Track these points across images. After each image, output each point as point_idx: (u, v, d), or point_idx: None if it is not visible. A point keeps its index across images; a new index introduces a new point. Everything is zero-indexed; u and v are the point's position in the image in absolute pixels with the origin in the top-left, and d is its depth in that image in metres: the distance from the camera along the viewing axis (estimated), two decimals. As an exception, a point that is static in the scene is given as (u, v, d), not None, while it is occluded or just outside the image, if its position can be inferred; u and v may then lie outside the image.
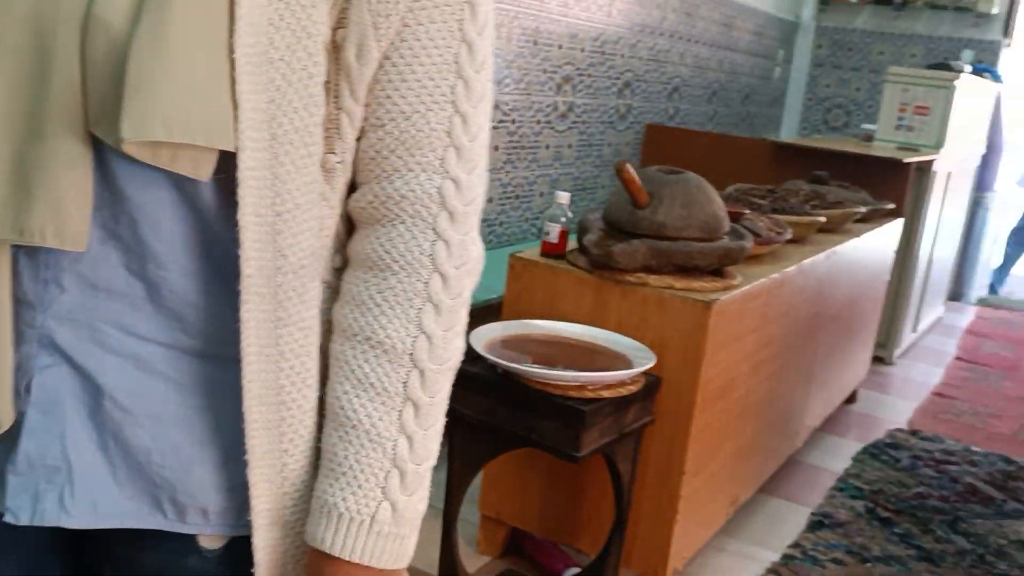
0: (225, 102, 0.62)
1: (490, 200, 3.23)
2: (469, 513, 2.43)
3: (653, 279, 2.00)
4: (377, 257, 0.72)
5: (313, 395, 0.73)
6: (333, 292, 0.75)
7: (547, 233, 2.15)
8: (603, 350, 1.96)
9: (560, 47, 3.45)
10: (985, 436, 3.58)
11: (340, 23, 0.67)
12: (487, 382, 1.82)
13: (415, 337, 0.71)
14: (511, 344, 1.96)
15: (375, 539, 0.72)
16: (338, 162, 0.71)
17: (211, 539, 0.75)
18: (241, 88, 0.62)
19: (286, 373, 0.71)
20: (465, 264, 0.74)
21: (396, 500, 0.72)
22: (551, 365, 1.90)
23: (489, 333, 1.96)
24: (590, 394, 1.76)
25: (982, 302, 6.17)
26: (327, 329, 0.75)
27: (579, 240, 2.12)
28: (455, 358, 0.75)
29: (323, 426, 0.74)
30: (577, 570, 2.16)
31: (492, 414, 1.82)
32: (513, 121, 3.26)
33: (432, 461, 0.76)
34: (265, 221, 0.66)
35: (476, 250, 0.75)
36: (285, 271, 0.68)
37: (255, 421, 0.70)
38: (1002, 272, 6.58)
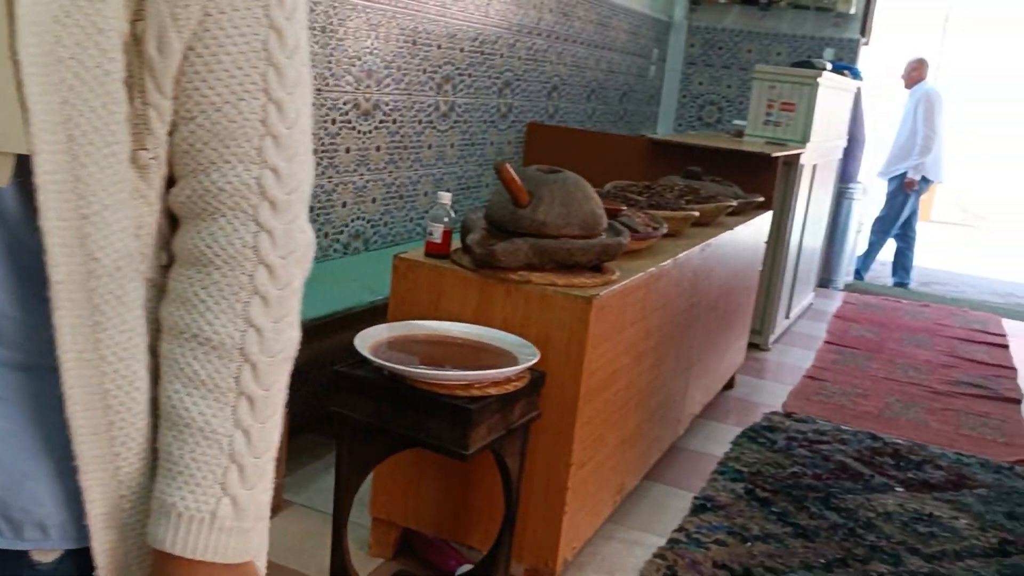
0: (13, 106, 0.60)
1: (373, 200, 3.21)
2: (360, 516, 2.42)
3: (536, 276, 2.04)
4: (199, 252, 0.71)
5: (143, 397, 0.72)
6: (160, 291, 0.74)
7: (431, 233, 2.16)
8: (489, 348, 1.98)
9: (439, 47, 3.46)
10: (854, 415, 3.78)
11: (137, 15, 0.66)
12: (374, 385, 1.82)
13: (244, 331, 0.71)
14: (397, 345, 1.97)
15: (217, 535, 0.72)
16: (151, 158, 0.70)
17: (45, 553, 0.74)
18: (29, 90, 0.61)
19: (110, 377, 0.69)
20: (292, 253, 0.73)
21: (237, 495, 0.72)
22: (438, 365, 1.92)
23: (374, 335, 1.96)
24: (477, 392, 1.78)
25: (849, 288, 6.52)
26: (156, 328, 0.74)
27: (462, 240, 2.14)
28: (288, 349, 0.75)
29: (158, 426, 0.73)
30: (469, 566, 2.19)
31: (380, 417, 1.82)
32: (394, 121, 3.25)
33: (272, 453, 0.75)
34: (71, 225, 0.65)
35: (304, 238, 0.75)
36: (99, 274, 0.67)
37: (81, 427, 0.69)
38: (867, 259, 6.96)
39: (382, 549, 2.31)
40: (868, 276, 6.99)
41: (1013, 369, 4.77)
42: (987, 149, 12.18)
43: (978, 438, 3.68)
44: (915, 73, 6.67)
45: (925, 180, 6.68)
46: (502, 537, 2.03)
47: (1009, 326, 5.81)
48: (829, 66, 5.09)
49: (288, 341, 0.74)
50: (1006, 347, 5.22)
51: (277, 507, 2.45)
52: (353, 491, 1.89)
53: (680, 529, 2.60)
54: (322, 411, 3.08)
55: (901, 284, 6.90)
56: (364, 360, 1.82)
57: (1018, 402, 4.22)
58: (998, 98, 11.78)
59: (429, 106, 3.46)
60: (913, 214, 6.88)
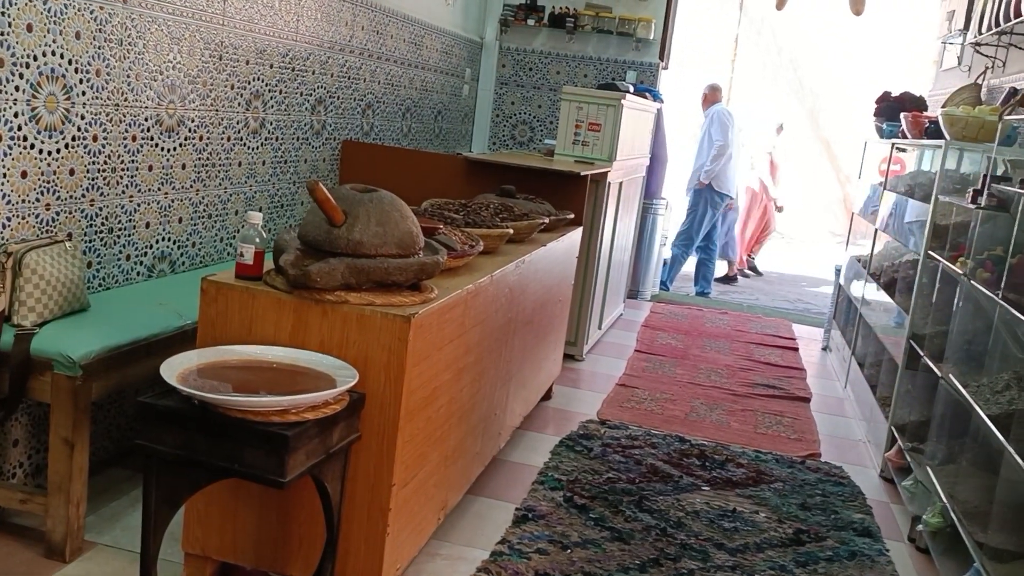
0: None
1: (180, 220, 3.07)
2: (172, 553, 2.31)
3: (353, 297, 2.02)
4: None
5: None
6: None
7: (241, 255, 2.09)
8: (306, 371, 1.94)
9: (248, 62, 3.36)
10: (663, 419, 3.98)
11: None
12: (183, 415, 1.74)
13: None
14: (208, 372, 1.89)
15: None
16: None
17: None
18: None
19: None
20: None
21: None
22: (253, 392, 1.86)
23: (183, 362, 1.88)
24: (294, 417, 1.74)
25: (655, 298, 6.86)
26: None
27: (275, 261, 2.09)
28: None
29: None
30: (291, 596, 2.13)
31: (190, 448, 1.74)
32: (201, 138, 3.13)
33: None
34: None
35: None
36: None
37: None
38: (671, 271, 7.35)
39: (196, 586, 2.21)
40: (673, 287, 7.38)
41: (803, 370, 5.17)
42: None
43: (774, 436, 3.96)
44: (711, 95, 7.17)
45: (720, 195, 7.16)
46: (323, 564, 1.99)
47: (798, 330, 6.30)
48: (632, 88, 5.35)
49: None
50: (796, 349, 5.66)
51: (77, 549, 2.29)
52: (162, 527, 1.80)
53: (503, 541, 2.64)
54: (127, 444, 2.91)
55: (703, 293, 7.34)
56: (171, 389, 1.74)
57: (808, 400, 4.58)
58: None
59: (238, 122, 3.36)
60: (713, 228, 7.35)
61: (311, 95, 3.91)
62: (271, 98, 3.58)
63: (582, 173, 4.14)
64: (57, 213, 2.51)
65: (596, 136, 4.65)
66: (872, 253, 4.82)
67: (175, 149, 3.00)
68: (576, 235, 3.97)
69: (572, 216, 3.76)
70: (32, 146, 2.38)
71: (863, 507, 3.25)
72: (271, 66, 3.54)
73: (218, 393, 1.77)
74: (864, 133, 5.86)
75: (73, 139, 2.53)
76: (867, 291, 4.67)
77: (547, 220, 3.31)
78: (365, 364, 1.99)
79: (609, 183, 4.68)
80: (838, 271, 5.88)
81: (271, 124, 3.61)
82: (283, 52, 3.61)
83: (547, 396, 4.01)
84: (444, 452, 2.42)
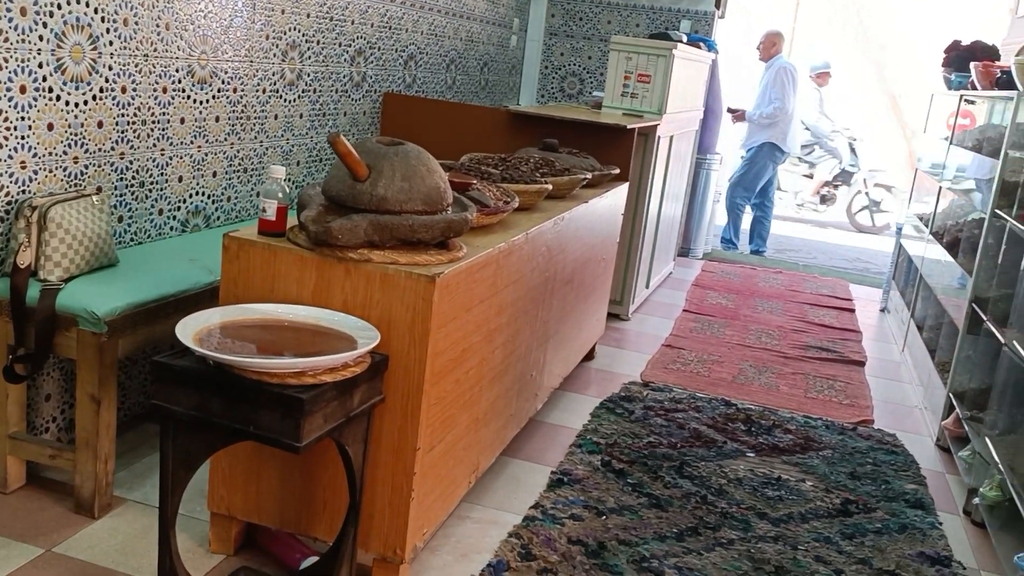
0: None
1: (214, 175, 3.03)
2: (199, 511, 2.29)
3: (376, 255, 1.94)
4: None
5: None
6: None
7: (264, 210, 2.03)
8: (328, 332, 1.88)
9: (283, 12, 3.28)
10: (708, 382, 3.87)
11: None
12: (199, 376, 1.69)
13: None
14: (229, 331, 1.84)
15: None
16: None
17: None
18: None
19: None
20: None
21: None
22: (274, 352, 1.80)
23: (202, 321, 1.82)
24: (311, 380, 1.68)
25: (707, 256, 6.68)
26: None
27: (298, 216, 2.02)
28: None
29: None
30: (315, 558, 2.09)
31: (206, 409, 1.69)
32: (235, 90, 3.07)
33: None
34: None
35: None
36: None
37: None
38: (736, 226, 7.12)
39: (223, 545, 2.18)
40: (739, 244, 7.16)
41: (858, 332, 4.99)
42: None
43: (825, 400, 3.82)
44: (772, 46, 6.85)
45: (780, 151, 6.89)
46: (347, 527, 1.94)
47: (855, 291, 6.08)
48: (685, 38, 5.15)
49: None
50: (852, 311, 5.47)
51: (106, 505, 2.28)
52: (180, 489, 1.76)
53: (536, 506, 2.58)
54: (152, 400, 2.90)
55: (757, 252, 7.13)
56: (187, 349, 1.69)
57: (862, 364, 4.42)
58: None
59: (274, 74, 3.29)
60: (769, 183, 7.10)
61: (351, 46, 3.82)
62: (308, 49, 3.49)
63: (629, 126, 3.99)
64: (86, 167, 2.47)
65: (646, 88, 4.48)
66: (935, 211, 4.60)
67: (208, 101, 2.94)
68: (622, 191, 3.84)
69: (617, 171, 3.62)
70: (58, 98, 2.33)
71: (916, 477, 3.11)
72: (308, 15, 3.45)
73: (232, 354, 1.71)
74: (932, 86, 5.57)
75: (101, 90, 2.48)
76: (929, 251, 4.46)
77: (590, 176, 3.19)
78: (389, 325, 1.92)
79: (659, 137, 4.52)
80: (899, 230, 5.64)
81: (308, 76, 3.53)
82: (320, 1, 3.52)
83: (589, 356, 3.92)
84: (475, 414, 2.35)
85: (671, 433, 3.22)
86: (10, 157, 2.23)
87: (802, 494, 2.86)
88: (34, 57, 2.24)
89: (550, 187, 2.80)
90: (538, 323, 2.80)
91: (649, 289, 5.14)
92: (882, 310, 5.66)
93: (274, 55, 3.27)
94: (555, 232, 2.77)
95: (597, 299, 3.71)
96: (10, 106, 2.20)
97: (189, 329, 1.76)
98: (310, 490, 2.07)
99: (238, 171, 3.16)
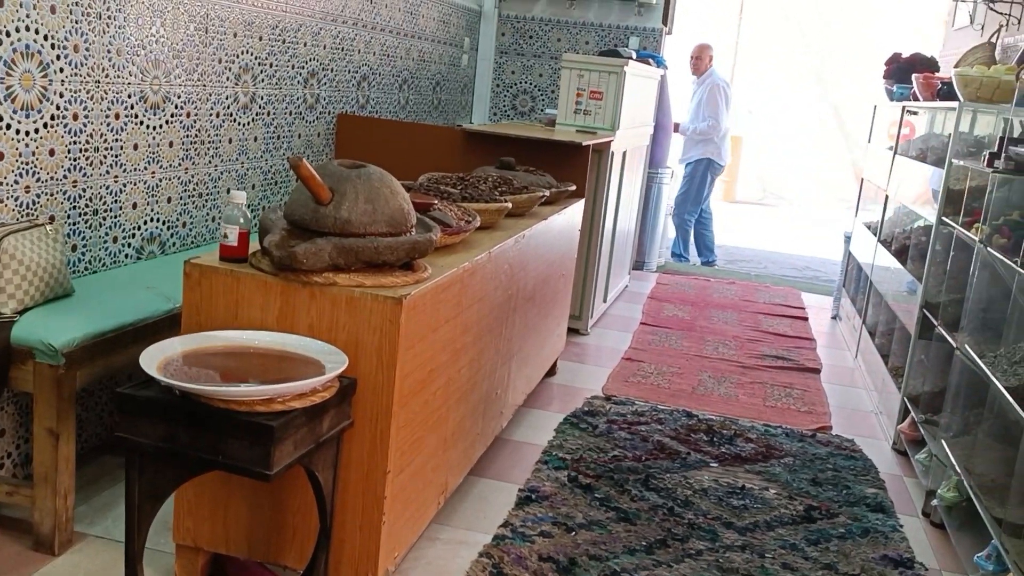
0: None
1: (168, 200, 2.99)
2: (163, 544, 2.25)
3: (342, 278, 1.93)
4: None
5: None
6: None
7: (225, 236, 2.01)
8: (294, 357, 1.86)
9: (235, 35, 3.25)
10: (669, 394, 3.90)
11: None
12: (164, 406, 1.66)
13: None
14: (192, 360, 1.81)
15: None
16: None
17: None
18: None
19: None
20: None
21: None
22: (239, 379, 1.78)
23: (165, 350, 1.80)
24: (280, 406, 1.66)
25: (661, 269, 6.75)
26: None
27: (260, 241, 2.00)
28: None
29: None
30: (286, 588, 2.07)
31: (173, 440, 1.66)
32: (188, 114, 3.04)
33: None
34: None
35: None
36: None
37: None
38: (685, 241, 7.22)
39: (189, 577, 2.14)
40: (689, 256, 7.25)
41: (812, 340, 5.08)
42: (781, 132, 12.97)
43: (783, 408, 3.88)
44: (703, 62, 6.94)
45: (717, 164, 7.02)
46: (317, 553, 1.92)
47: (807, 299, 6.20)
48: (634, 55, 5.22)
49: None
50: (805, 319, 5.57)
51: (67, 542, 2.23)
52: (147, 522, 1.73)
53: (505, 524, 2.57)
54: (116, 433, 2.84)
55: (708, 263, 7.23)
56: (152, 379, 1.66)
57: (818, 371, 4.50)
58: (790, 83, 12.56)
59: (227, 97, 3.26)
60: (707, 195, 7.22)
61: (303, 68, 3.81)
62: (261, 72, 3.47)
63: (584, 143, 4.03)
64: (38, 195, 2.42)
65: (598, 105, 4.53)
66: (883, 220, 4.71)
67: (161, 126, 2.90)
68: (578, 207, 3.87)
69: (574, 188, 3.65)
70: (8, 126, 2.29)
71: (876, 481, 3.17)
72: (260, 38, 3.43)
73: (199, 383, 1.69)
74: (874, 97, 5.72)
75: (52, 118, 2.43)
76: (878, 258, 4.56)
77: (548, 193, 3.21)
78: (356, 348, 1.91)
79: (612, 153, 4.57)
80: (848, 238, 5.77)
81: (262, 99, 3.50)
82: (272, 24, 3.50)
83: (551, 372, 3.93)
84: (443, 435, 2.35)
85: (635, 446, 3.24)
86: (-41, 188, 2.18)
87: (766, 502, 2.89)
88: (-17, 85, 2.20)
89: (510, 205, 2.81)
90: (502, 341, 2.81)
91: (607, 303, 5.18)
92: (833, 317, 5.77)
93: (227, 78, 3.24)
94: (517, 250, 2.79)
95: (558, 315, 3.73)
96: (-41, 136, 2.15)
97: (153, 358, 1.73)
98: (279, 517, 2.05)
99: (193, 196, 3.12)
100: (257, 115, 3.48)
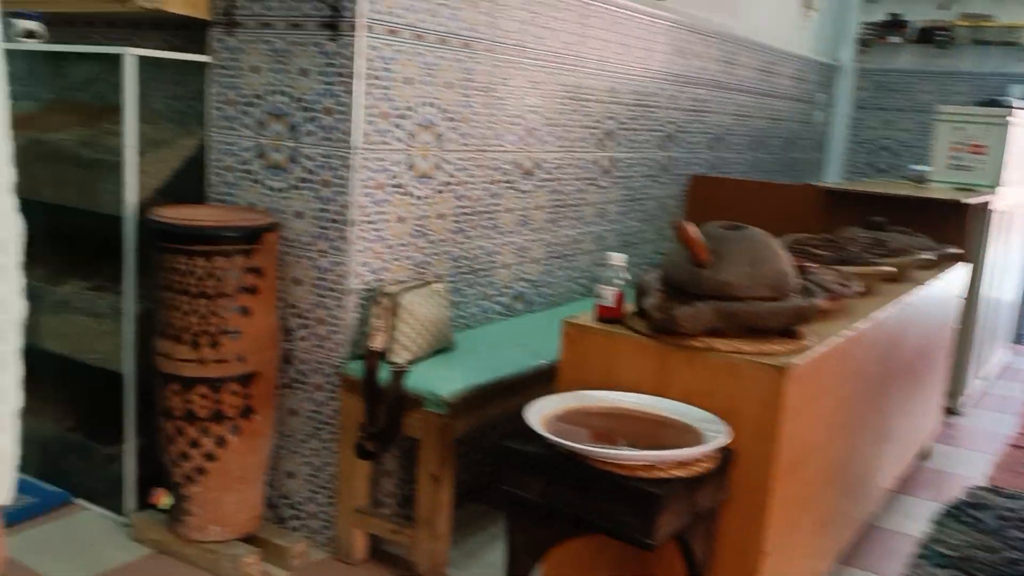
0: None
1: (534, 261, 3.12)
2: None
3: (720, 343, 1.86)
4: None
5: None
6: None
7: (602, 297, 2.02)
8: (670, 422, 1.81)
9: (600, 102, 3.36)
10: (1071, 491, 3.34)
11: None
12: (546, 462, 1.68)
13: None
14: (568, 418, 1.83)
15: None
16: None
17: None
18: None
19: None
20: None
21: None
22: (613, 440, 1.77)
23: (545, 407, 1.83)
24: (661, 473, 1.61)
25: (1047, 343, 5.91)
26: None
27: (637, 303, 1.99)
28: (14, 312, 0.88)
29: None
30: (650, 662, 1.99)
31: (553, 497, 1.67)
32: (556, 179, 3.17)
33: (10, 405, 0.88)
34: None
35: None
36: None
37: None
38: None
39: (553, 636, 2.15)
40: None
41: None
42: None
43: None
44: None
45: None
46: (687, 632, 1.83)
47: None
48: (1018, 104, 4.67)
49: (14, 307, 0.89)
50: None
51: (442, 584, 2.34)
52: (525, 575, 1.75)
53: (883, 624, 2.31)
54: (483, 480, 2.98)
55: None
56: (533, 434, 1.69)
57: None
58: None
59: (590, 162, 3.36)
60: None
61: (660, 130, 3.84)
62: (622, 136, 3.55)
63: (963, 201, 3.64)
64: (428, 255, 2.63)
65: (980, 160, 4.09)
66: None
67: (532, 191, 3.05)
68: (958, 272, 3.48)
69: (960, 251, 3.30)
70: (410, 193, 2.51)
71: None
72: (622, 104, 3.51)
73: (585, 444, 1.69)
74: None
75: (444, 184, 2.64)
76: None
77: (932, 256, 2.92)
78: (733, 417, 1.82)
79: (992, 211, 4.09)
80: None
81: (621, 163, 3.57)
82: (634, 88, 3.58)
83: (922, 455, 3.54)
84: (816, 516, 2.17)
85: (1035, 549, 2.79)
86: (368, 248, 2.42)
87: None
88: (390, 156, 2.44)
89: (893, 269, 2.59)
90: (877, 417, 2.57)
91: (981, 380, 4.61)
92: None
93: (591, 144, 3.35)
94: (899, 318, 2.55)
95: (931, 391, 3.36)
96: (370, 202, 2.40)
97: (535, 414, 1.77)
98: (645, 587, 1.99)
99: (556, 257, 3.24)
100: (617, 179, 3.56)
